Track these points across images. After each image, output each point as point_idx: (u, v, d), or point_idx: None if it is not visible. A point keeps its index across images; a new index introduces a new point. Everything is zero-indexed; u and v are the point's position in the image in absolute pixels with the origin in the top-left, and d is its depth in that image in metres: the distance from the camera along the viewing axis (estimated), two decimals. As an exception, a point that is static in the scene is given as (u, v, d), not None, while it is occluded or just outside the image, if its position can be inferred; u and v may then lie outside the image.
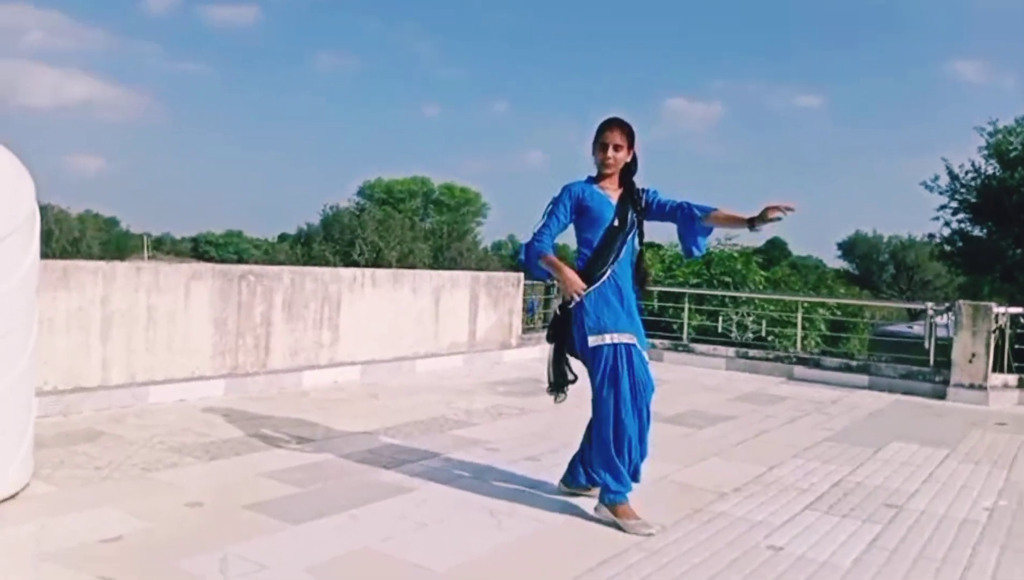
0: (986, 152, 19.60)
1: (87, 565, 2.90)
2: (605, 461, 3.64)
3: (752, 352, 9.79)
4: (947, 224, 21.03)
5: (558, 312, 3.86)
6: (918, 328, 14.65)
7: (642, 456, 3.74)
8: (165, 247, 78.07)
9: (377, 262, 33.08)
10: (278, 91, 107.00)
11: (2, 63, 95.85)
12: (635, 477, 3.72)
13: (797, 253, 59.03)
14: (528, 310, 9.35)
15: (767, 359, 9.49)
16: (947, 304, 8.75)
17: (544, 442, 5.15)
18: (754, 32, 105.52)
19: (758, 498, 4.18)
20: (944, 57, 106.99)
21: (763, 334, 11.85)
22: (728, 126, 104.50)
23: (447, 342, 8.71)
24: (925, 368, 8.47)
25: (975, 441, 5.99)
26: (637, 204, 3.84)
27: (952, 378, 7.99)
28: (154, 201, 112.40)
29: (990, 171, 19.76)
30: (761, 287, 15.08)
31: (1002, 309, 8.15)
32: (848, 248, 58.69)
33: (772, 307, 13.08)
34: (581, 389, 3.86)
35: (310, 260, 33.59)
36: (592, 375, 3.70)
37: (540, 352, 9.47)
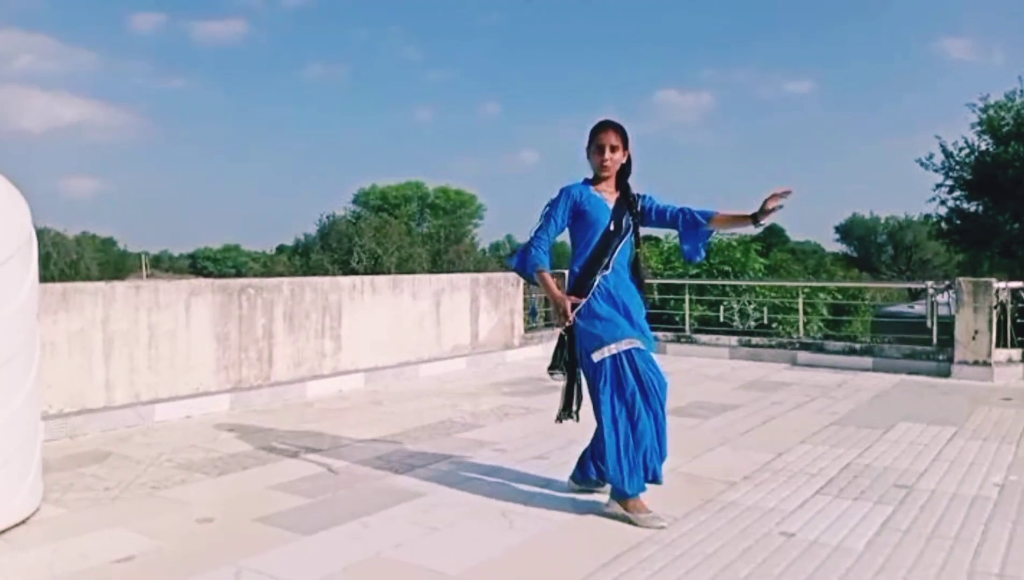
0: (979, 128, 19.57)
1: (101, 586, 2.90)
2: (617, 470, 3.58)
3: (755, 340, 9.80)
4: (943, 202, 21.01)
5: (564, 335, 3.83)
6: (919, 308, 14.66)
7: (661, 458, 3.68)
8: (163, 265, 78.10)
9: (376, 269, 33.08)
10: (269, 103, 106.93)
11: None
12: (655, 479, 3.66)
13: (795, 239, 59.01)
14: (531, 312, 9.34)
15: (770, 346, 9.49)
16: (947, 282, 8.75)
17: (551, 440, 5.15)
18: (741, 19, 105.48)
19: (768, 485, 4.18)
20: (932, 36, 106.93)
21: (765, 321, 11.86)
22: (719, 115, 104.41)
23: (450, 345, 8.71)
24: (928, 347, 8.47)
25: (982, 418, 5.99)
26: (633, 207, 3.83)
27: (956, 356, 7.99)
28: (150, 219, 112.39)
29: (984, 147, 19.73)
30: (761, 274, 15.09)
31: (1002, 284, 8.15)
32: (846, 231, 58.64)
33: (773, 294, 13.09)
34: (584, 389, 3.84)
35: (309, 270, 33.58)
36: (595, 389, 3.65)
37: (543, 351, 9.49)
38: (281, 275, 28.89)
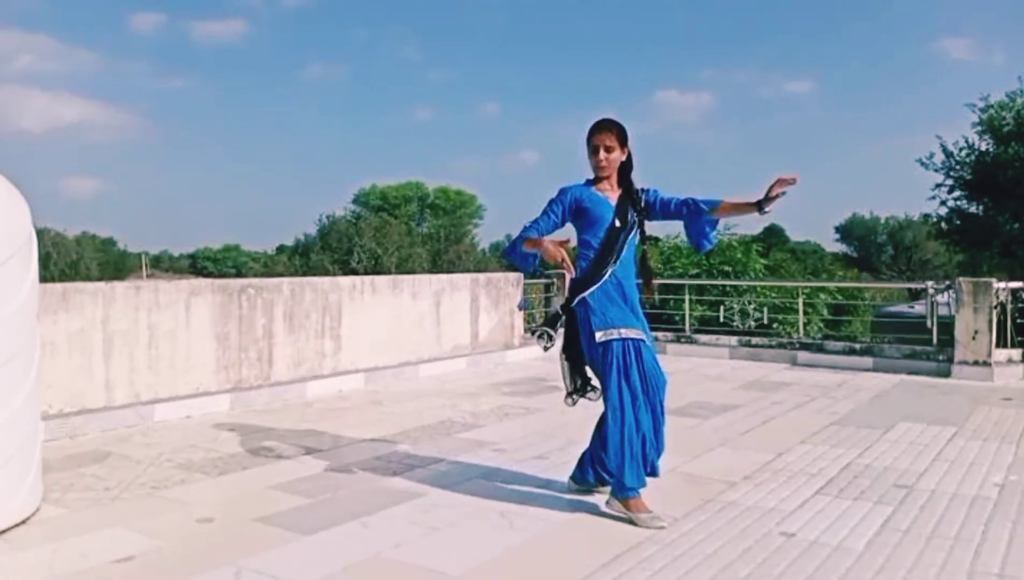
0: (979, 128, 19.56)
1: (101, 586, 2.90)
2: (619, 457, 3.60)
3: (755, 340, 9.80)
4: (943, 202, 21.01)
5: (560, 311, 3.84)
6: (919, 308, 14.66)
7: (659, 452, 3.72)
8: (163, 265, 78.13)
9: (376, 269, 33.06)
10: (269, 103, 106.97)
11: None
12: (653, 472, 3.71)
13: (795, 239, 59.01)
14: (521, 307, 9.28)
15: (770, 346, 9.49)
16: (947, 282, 8.75)
17: (551, 441, 5.15)
18: (741, 20, 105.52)
19: (768, 485, 4.18)
20: (932, 36, 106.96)
21: (765, 321, 11.85)
22: (719, 115, 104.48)
23: (450, 345, 8.71)
24: (928, 347, 8.47)
25: (982, 418, 5.99)
26: (637, 203, 3.83)
27: (956, 356, 7.99)
28: (150, 219, 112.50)
29: (984, 147, 19.73)
30: (761, 275, 15.08)
31: (1002, 284, 8.15)
32: (846, 231, 58.65)
33: (773, 294, 13.09)
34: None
35: (309, 270, 33.57)
36: (603, 372, 3.66)
37: (543, 351, 9.46)
38: (281, 275, 28.89)
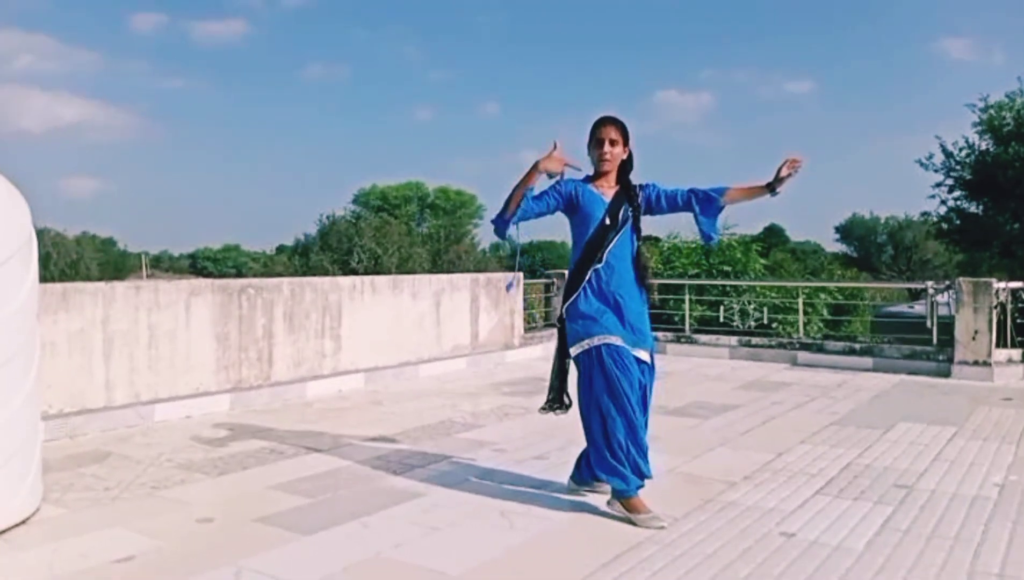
0: (979, 128, 19.58)
1: (101, 586, 2.90)
2: (601, 464, 3.62)
3: (755, 340, 9.80)
4: (943, 202, 21.03)
5: (558, 324, 3.92)
6: (919, 308, 14.66)
7: (643, 454, 3.64)
8: (163, 265, 78.10)
9: (376, 269, 33.05)
10: (269, 103, 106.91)
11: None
12: (642, 474, 3.64)
13: (795, 239, 59.04)
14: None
15: (770, 346, 9.49)
16: (947, 282, 8.75)
17: (551, 441, 5.15)
18: (741, 20, 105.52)
19: (768, 485, 4.18)
20: (932, 36, 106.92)
21: (765, 321, 11.85)
22: (719, 115, 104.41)
23: (449, 345, 8.71)
24: (928, 347, 8.47)
25: (982, 418, 5.99)
26: (633, 200, 3.82)
27: (956, 356, 7.99)
28: (150, 219, 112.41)
29: (984, 147, 19.75)
30: (761, 275, 15.07)
31: (1002, 284, 8.15)
32: (846, 231, 58.65)
33: (773, 294, 13.09)
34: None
35: (308, 270, 33.56)
36: (578, 385, 3.74)
37: (543, 351, 9.49)
38: (281, 275, 28.88)
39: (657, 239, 16.29)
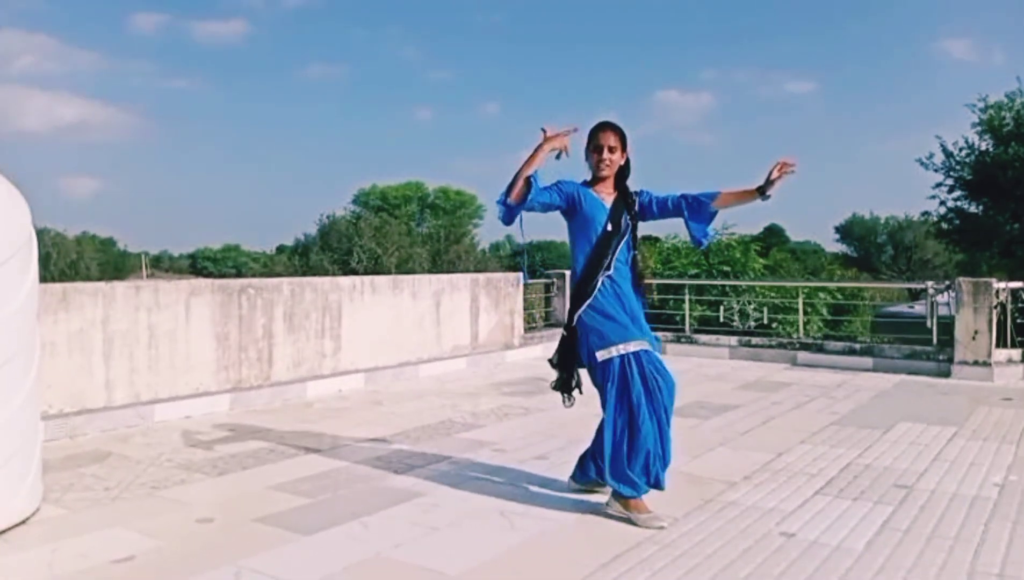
0: (979, 128, 19.59)
1: (101, 586, 2.90)
2: (617, 472, 3.57)
3: (755, 340, 9.79)
4: (943, 202, 21.03)
5: (564, 333, 3.83)
6: (919, 308, 14.65)
7: (665, 464, 3.63)
8: (163, 265, 78.16)
9: (376, 269, 33.04)
10: (269, 103, 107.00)
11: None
12: (657, 485, 3.62)
13: (795, 239, 59.10)
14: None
15: (770, 346, 9.49)
16: (947, 282, 8.75)
17: (551, 441, 5.15)
18: (742, 20, 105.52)
19: (768, 486, 4.18)
20: (932, 36, 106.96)
21: (765, 321, 11.85)
22: (719, 115, 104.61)
23: (450, 345, 8.71)
24: (928, 347, 8.47)
25: (982, 418, 5.99)
26: (631, 207, 3.82)
27: (956, 356, 7.99)
28: (150, 219, 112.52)
29: (984, 147, 19.75)
30: (761, 274, 15.08)
31: (1002, 284, 8.15)
32: (846, 231, 58.69)
33: (773, 294, 13.09)
34: (586, 386, 3.84)
35: (308, 270, 33.57)
36: (602, 386, 3.63)
37: (543, 351, 9.48)
38: (281, 275, 28.88)
39: (657, 239, 16.30)
